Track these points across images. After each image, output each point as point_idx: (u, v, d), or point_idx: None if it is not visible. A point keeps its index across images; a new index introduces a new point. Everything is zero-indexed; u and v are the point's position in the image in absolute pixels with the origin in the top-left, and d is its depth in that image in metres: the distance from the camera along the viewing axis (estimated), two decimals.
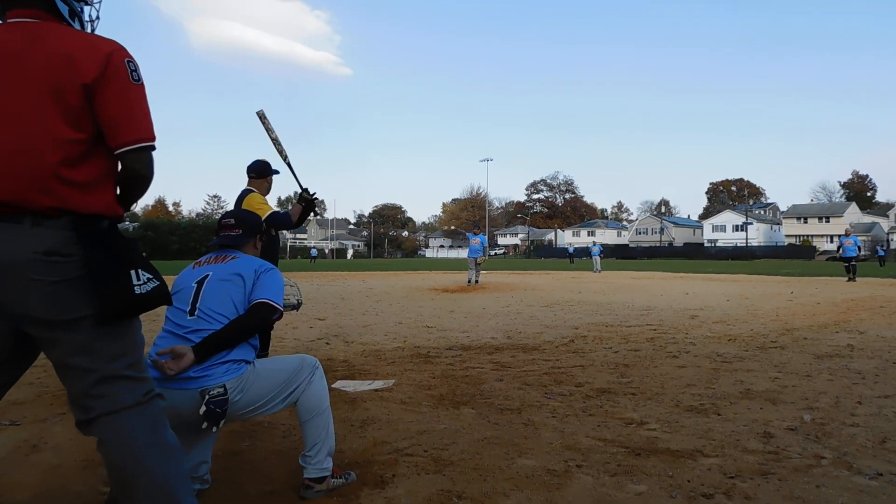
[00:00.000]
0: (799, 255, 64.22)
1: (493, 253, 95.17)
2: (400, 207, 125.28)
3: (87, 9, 1.87)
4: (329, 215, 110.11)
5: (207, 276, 2.36)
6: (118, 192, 1.82)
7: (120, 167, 1.78)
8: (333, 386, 4.28)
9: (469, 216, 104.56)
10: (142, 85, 1.76)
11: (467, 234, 18.80)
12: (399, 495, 2.43)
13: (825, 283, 17.96)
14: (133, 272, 1.71)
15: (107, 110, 1.69)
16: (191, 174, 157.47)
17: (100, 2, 1.88)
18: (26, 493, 2.47)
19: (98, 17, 1.89)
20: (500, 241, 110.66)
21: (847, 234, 20.91)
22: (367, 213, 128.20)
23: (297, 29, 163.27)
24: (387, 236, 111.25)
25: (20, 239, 1.62)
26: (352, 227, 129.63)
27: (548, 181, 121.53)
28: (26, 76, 1.64)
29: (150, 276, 1.74)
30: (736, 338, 6.73)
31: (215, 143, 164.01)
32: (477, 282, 17.03)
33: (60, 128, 1.64)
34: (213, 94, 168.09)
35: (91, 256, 1.66)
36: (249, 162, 4.70)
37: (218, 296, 2.30)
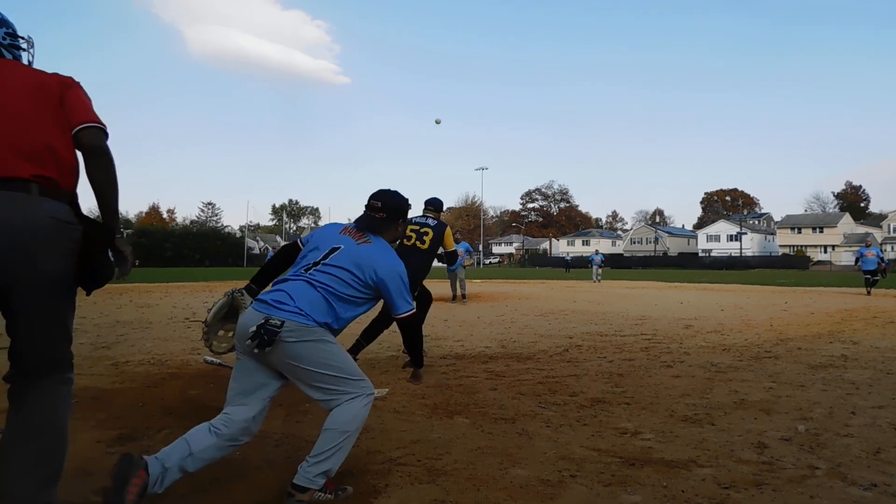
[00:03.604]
0: (793, 265, 64.42)
1: (486, 262, 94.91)
2: None
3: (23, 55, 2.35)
4: (323, 223, 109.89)
5: (340, 247, 2.58)
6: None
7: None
8: None
9: (464, 225, 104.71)
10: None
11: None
12: None
13: (819, 294, 18.03)
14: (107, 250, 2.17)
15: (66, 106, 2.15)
16: (185, 181, 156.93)
17: (33, 48, 2.39)
18: None
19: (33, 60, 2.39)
20: (495, 249, 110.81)
21: (868, 245, 18.55)
22: None
23: (297, 38, 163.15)
24: None
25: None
26: None
27: (543, 190, 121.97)
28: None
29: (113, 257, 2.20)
30: (730, 348, 6.73)
31: (210, 151, 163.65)
32: (463, 296, 14.25)
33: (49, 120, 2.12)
34: (209, 101, 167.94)
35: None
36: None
37: (348, 262, 2.52)
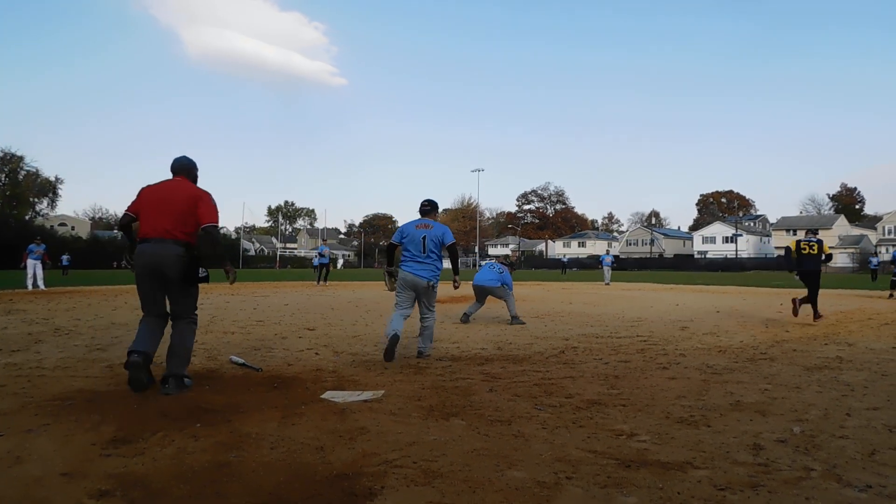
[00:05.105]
0: None
1: (482, 263, 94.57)
2: (391, 217, 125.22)
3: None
4: (319, 225, 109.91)
5: (425, 235, 5.88)
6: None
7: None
8: (322, 396, 4.25)
9: (460, 227, 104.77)
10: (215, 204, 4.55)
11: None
12: None
13: None
14: (200, 268, 4.43)
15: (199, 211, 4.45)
16: None
17: (198, 170, 4.85)
18: None
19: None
20: (491, 251, 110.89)
21: None
22: (357, 223, 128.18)
23: (294, 40, 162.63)
24: (377, 246, 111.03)
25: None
26: (342, 236, 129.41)
27: (539, 192, 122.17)
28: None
29: (206, 271, 4.48)
30: (726, 349, 6.75)
31: (206, 152, 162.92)
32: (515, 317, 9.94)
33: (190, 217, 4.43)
34: (206, 103, 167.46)
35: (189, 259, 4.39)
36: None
37: (432, 243, 5.87)
